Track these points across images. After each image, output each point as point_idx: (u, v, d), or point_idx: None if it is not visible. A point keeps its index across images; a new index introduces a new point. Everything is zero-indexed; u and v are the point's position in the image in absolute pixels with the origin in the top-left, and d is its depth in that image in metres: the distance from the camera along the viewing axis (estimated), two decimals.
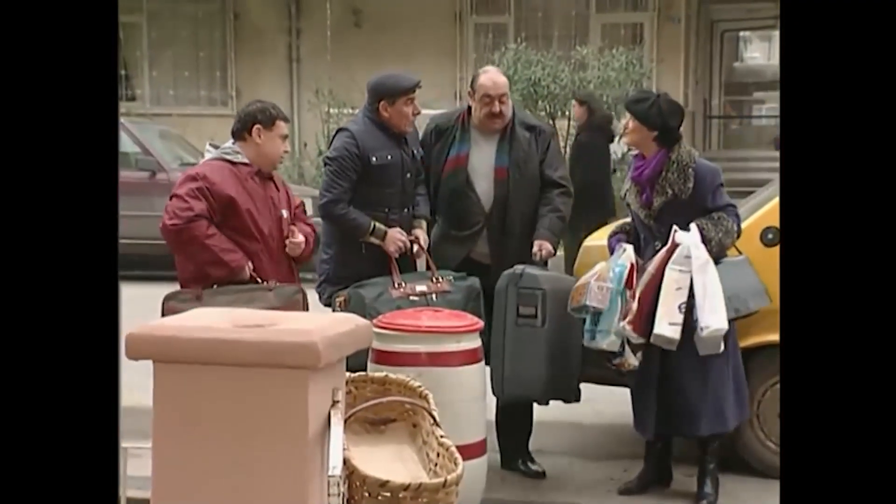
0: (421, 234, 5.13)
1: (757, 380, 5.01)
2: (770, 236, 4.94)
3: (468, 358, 4.47)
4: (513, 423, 5.17)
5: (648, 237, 4.77)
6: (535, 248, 4.96)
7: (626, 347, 4.61)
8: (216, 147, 4.72)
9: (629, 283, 4.57)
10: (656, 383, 4.67)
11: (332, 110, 14.07)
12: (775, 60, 32.29)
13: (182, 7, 17.00)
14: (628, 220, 5.02)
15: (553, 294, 4.72)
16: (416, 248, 5.07)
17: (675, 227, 4.57)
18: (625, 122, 4.88)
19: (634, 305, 4.51)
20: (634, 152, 4.97)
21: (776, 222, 4.74)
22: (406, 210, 5.09)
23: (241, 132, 4.67)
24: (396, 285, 4.85)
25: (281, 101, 16.03)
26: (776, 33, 29.99)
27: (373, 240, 4.96)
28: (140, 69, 16.81)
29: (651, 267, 4.56)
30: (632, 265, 4.59)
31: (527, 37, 14.56)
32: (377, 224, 4.96)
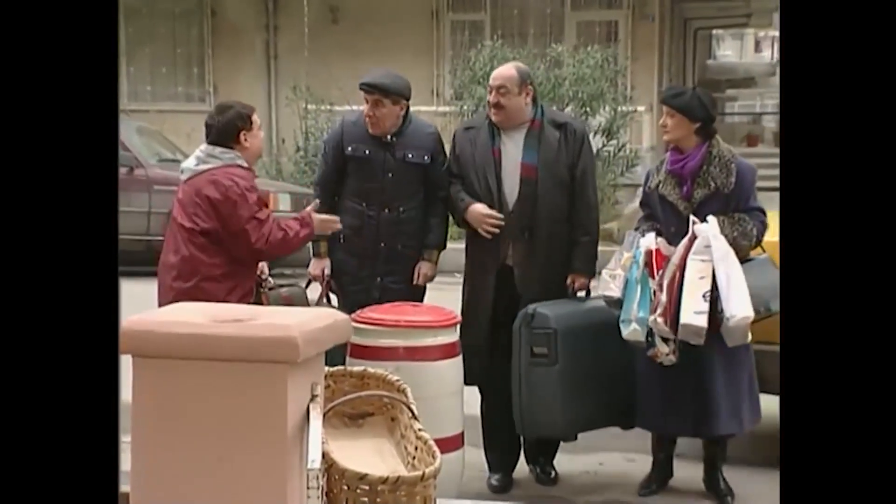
0: (426, 266, 5.05)
1: None
2: None
3: (446, 352, 4.47)
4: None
5: (678, 232, 4.64)
6: (568, 281, 4.88)
7: (657, 338, 4.51)
8: (210, 153, 4.59)
9: (651, 272, 4.49)
10: (687, 381, 4.59)
11: (309, 106, 14.02)
12: (747, 58, 32.51)
13: (159, 4, 16.90)
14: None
15: (566, 332, 4.62)
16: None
17: (693, 218, 4.51)
18: (662, 120, 4.74)
19: (663, 298, 4.43)
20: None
21: None
22: (387, 211, 5.00)
23: (226, 141, 4.59)
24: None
25: (259, 98, 16.16)
26: (748, 31, 30.17)
27: (312, 247, 5.11)
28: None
29: (674, 258, 4.48)
30: (650, 251, 4.51)
31: (503, 34, 14.54)
32: (321, 241, 5.05)
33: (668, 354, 4.52)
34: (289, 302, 4.69)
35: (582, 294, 4.95)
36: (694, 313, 4.40)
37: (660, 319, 4.44)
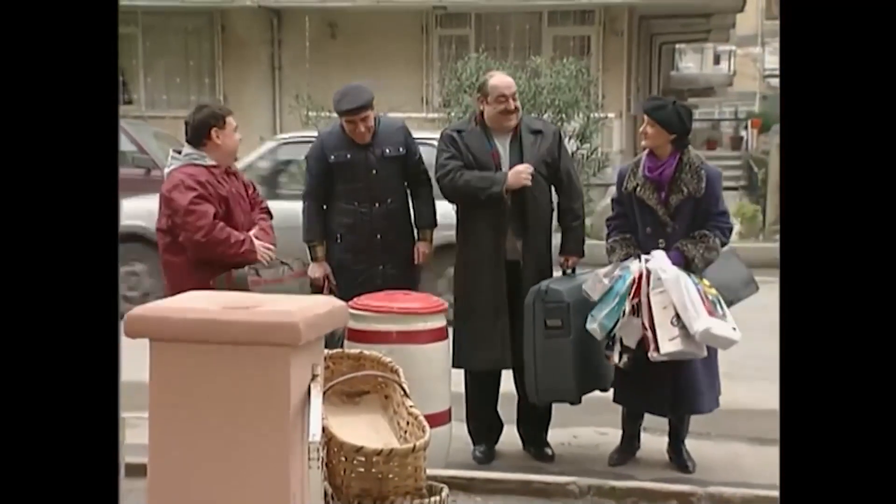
0: (424, 245, 5.07)
1: None
2: None
3: (435, 336, 4.48)
4: (532, 413, 5.00)
5: (654, 234, 4.64)
6: (562, 261, 4.90)
7: (615, 347, 4.53)
8: (179, 153, 4.49)
9: (636, 293, 4.44)
10: (667, 366, 4.52)
11: (310, 114, 13.99)
12: (707, 70, 32.56)
13: (174, 20, 16.85)
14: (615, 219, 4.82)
15: (577, 305, 4.59)
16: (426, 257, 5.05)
17: (642, 257, 4.49)
18: (642, 128, 4.67)
19: (649, 335, 4.43)
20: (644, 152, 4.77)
21: None
22: (378, 205, 4.99)
23: (199, 139, 4.45)
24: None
25: (264, 106, 16.09)
26: (708, 46, 30.18)
27: (309, 252, 5.08)
28: (136, 76, 16.64)
29: (642, 298, 4.43)
30: (639, 275, 4.45)
31: (486, 47, 14.50)
32: (317, 247, 5.05)
33: (621, 361, 4.55)
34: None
35: (569, 272, 4.94)
36: (668, 341, 4.39)
37: (654, 354, 4.43)
